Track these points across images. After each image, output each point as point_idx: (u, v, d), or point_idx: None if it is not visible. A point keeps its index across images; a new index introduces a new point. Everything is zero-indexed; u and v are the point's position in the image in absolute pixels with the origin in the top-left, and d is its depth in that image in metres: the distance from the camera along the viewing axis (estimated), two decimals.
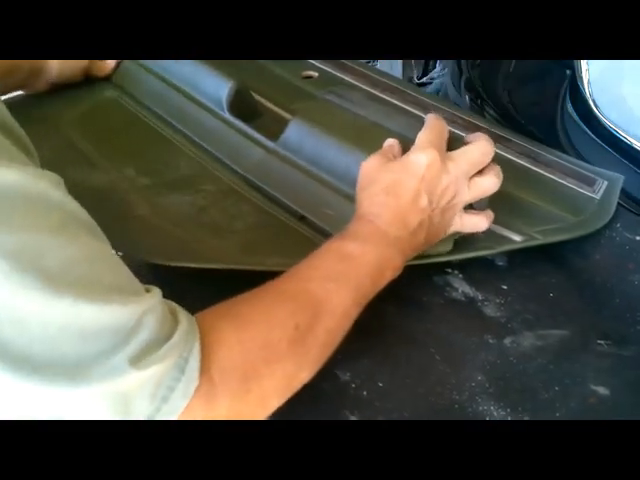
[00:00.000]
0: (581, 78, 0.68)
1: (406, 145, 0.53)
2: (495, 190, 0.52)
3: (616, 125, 0.65)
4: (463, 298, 0.53)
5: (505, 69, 0.80)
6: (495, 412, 0.44)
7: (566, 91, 0.74)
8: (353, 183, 0.54)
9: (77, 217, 0.38)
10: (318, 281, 0.45)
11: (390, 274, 0.49)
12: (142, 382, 0.35)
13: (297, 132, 0.61)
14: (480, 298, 0.53)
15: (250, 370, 0.40)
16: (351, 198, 0.55)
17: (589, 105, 0.68)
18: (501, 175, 0.52)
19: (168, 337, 0.36)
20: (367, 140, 0.57)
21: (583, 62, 0.68)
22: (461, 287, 0.54)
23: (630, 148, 0.65)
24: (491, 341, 0.49)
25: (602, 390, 0.46)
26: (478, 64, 0.84)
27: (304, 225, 0.57)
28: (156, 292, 0.39)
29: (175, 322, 0.38)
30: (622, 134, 0.65)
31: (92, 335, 0.33)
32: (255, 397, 0.40)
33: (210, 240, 0.55)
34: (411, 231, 0.49)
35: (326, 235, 0.55)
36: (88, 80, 0.76)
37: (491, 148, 0.52)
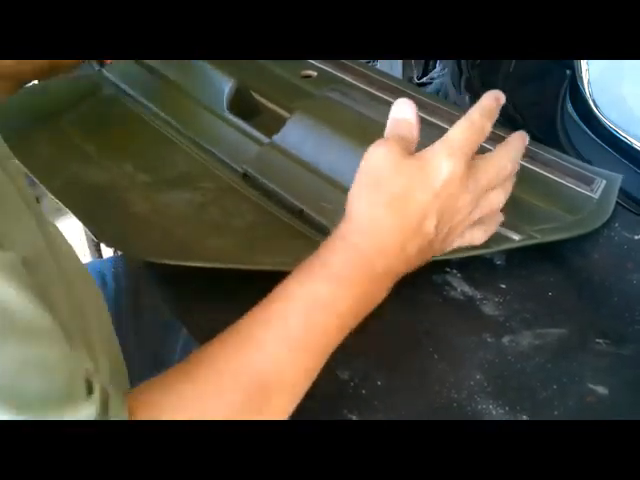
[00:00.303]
0: (581, 78, 0.68)
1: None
2: (501, 206, 0.48)
3: (616, 125, 0.65)
4: (462, 297, 0.53)
5: (505, 69, 0.80)
6: (494, 411, 0.44)
7: (566, 91, 0.74)
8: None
9: (9, 314, 0.31)
10: (272, 347, 0.37)
11: (369, 310, 0.42)
12: None
13: (299, 126, 0.61)
14: (479, 297, 0.53)
15: None
16: None
17: (589, 105, 0.68)
18: (510, 189, 0.48)
19: None
20: (370, 138, 0.57)
21: (583, 62, 0.68)
22: (460, 286, 0.54)
23: (630, 148, 0.65)
24: (490, 340, 0.49)
25: (600, 389, 0.46)
26: (478, 64, 0.84)
27: (303, 223, 0.57)
28: (95, 397, 0.32)
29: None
30: (622, 134, 0.65)
31: None
32: None
33: (209, 238, 0.55)
34: (405, 259, 0.42)
35: (325, 233, 0.55)
36: (87, 77, 0.77)
37: (510, 167, 0.45)
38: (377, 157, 0.43)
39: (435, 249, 0.45)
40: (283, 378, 0.37)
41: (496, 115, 0.45)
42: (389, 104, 0.70)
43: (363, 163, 0.44)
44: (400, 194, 0.41)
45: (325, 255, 0.41)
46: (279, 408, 0.38)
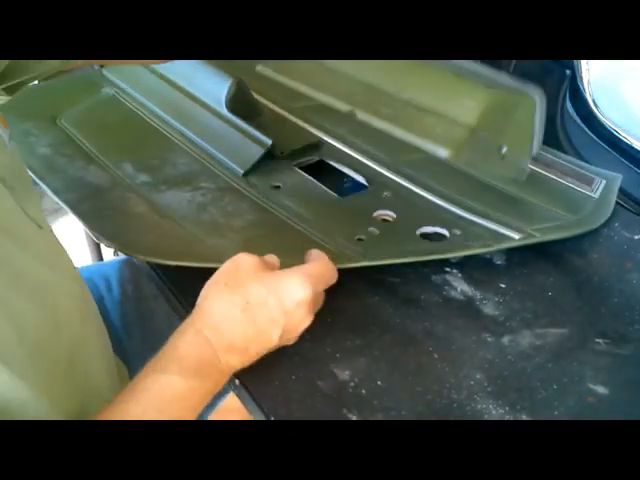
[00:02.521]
0: (581, 78, 0.68)
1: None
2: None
3: (616, 125, 0.66)
4: (462, 297, 0.53)
5: (505, 69, 0.80)
6: (494, 410, 0.44)
7: (566, 91, 0.74)
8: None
9: None
10: None
11: (207, 401, 0.43)
12: None
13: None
14: (479, 297, 0.53)
15: None
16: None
17: (589, 105, 0.68)
18: None
19: None
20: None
21: (583, 62, 0.68)
22: (460, 286, 0.54)
23: (630, 148, 0.65)
24: (489, 340, 0.49)
25: (600, 389, 0.46)
26: None
27: (302, 222, 0.57)
28: None
29: None
30: (622, 134, 0.65)
31: None
32: None
33: (209, 238, 0.55)
34: (246, 359, 0.44)
35: (324, 232, 0.55)
36: (87, 77, 0.77)
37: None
38: (242, 260, 0.46)
39: (270, 350, 0.46)
40: None
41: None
42: None
43: (227, 264, 0.46)
44: (255, 302, 0.44)
45: (179, 347, 0.42)
46: None
